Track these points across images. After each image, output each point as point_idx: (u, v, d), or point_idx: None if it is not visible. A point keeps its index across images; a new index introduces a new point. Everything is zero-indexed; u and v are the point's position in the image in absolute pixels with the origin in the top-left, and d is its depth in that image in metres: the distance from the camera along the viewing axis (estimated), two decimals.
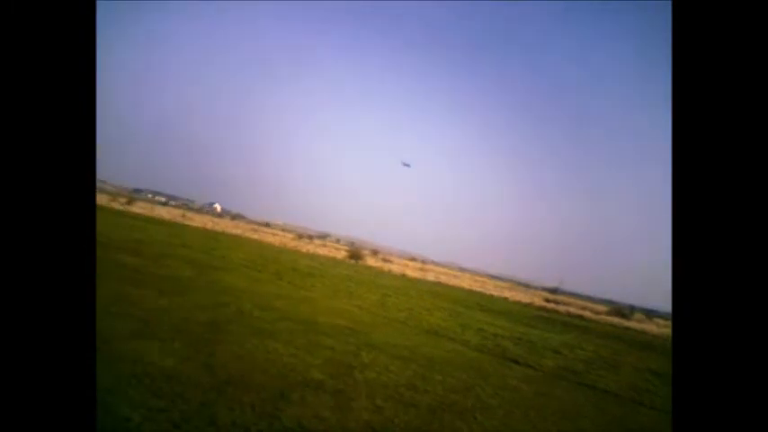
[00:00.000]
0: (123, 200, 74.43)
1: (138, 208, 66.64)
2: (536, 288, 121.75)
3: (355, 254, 59.41)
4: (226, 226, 73.85)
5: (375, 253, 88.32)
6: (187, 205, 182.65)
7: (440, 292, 33.07)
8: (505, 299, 45.58)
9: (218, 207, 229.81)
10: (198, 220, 69.47)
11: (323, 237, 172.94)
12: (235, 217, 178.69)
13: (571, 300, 79.47)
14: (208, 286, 13.15)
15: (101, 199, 64.72)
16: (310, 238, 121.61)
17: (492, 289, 59.49)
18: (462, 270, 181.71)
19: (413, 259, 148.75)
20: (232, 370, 6.30)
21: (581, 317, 40.01)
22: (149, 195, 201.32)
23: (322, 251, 61.80)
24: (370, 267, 49.78)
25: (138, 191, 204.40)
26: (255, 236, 63.84)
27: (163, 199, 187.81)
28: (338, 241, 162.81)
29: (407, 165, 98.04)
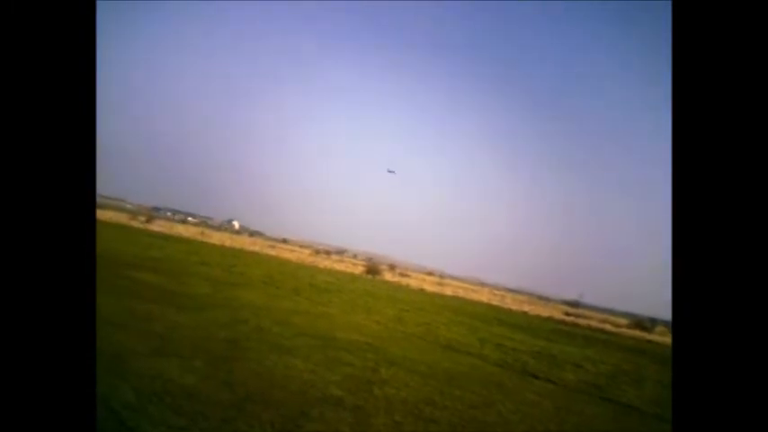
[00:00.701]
0: (143, 218, 75.26)
1: (158, 226, 67.36)
2: (555, 301, 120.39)
3: (373, 269, 59.49)
4: (244, 243, 74.29)
5: (392, 268, 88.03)
6: (206, 222, 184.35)
7: (458, 307, 32.91)
8: (525, 313, 45.17)
9: (236, 224, 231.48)
10: (216, 238, 70.06)
11: (340, 252, 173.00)
12: (253, 234, 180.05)
13: (591, 313, 78.49)
14: (226, 303, 13.24)
15: (120, 217, 65.73)
16: (328, 253, 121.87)
17: (511, 303, 58.96)
18: (481, 284, 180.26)
19: (430, 273, 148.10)
20: (251, 387, 6.32)
21: (602, 330, 39.52)
22: (168, 213, 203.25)
23: (339, 266, 61.80)
24: (387, 282, 49.79)
25: (157, 209, 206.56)
26: (273, 252, 64.17)
27: (182, 217, 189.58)
28: (355, 256, 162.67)
29: (392, 171, 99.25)
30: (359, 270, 60.29)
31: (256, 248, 64.63)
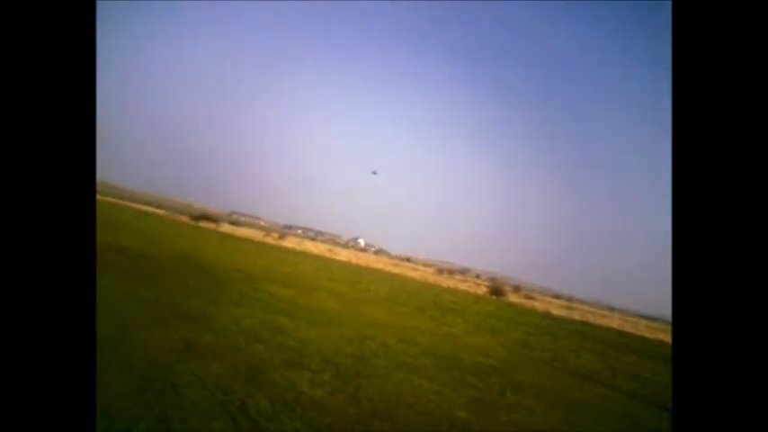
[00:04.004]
0: (276, 235, 79.73)
1: (289, 243, 70.95)
2: None
3: (497, 290, 58.15)
4: (369, 260, 75.97)
5: (517, 289, 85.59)
6: (333, 240, 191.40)
7: (587, 333, 31.22)
8: (660, 341, 41.92)
9: (361, 242, 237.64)
10: (343, 255, 72.38)
11: (463, 272, 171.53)
12: (377, 252, 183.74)
13: None
14: (354, 319, 13.57)
15: (256, 235, 69.97)
16: (451, 273, 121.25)
17: (644, 330, 54.96)
18: (611, 309, 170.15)
19: (557, 297, 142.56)
20: (378, 404, 6.39)
21: None
22: (299, 231, 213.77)
23: (462, 286, 61.27)
24: (512, 304, 48.52)
25: (288, 227, 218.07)
26: (397, 270, 64.98)
27: (312, 234, 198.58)
28: (478, 277, 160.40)
29: (375, 173, 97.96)
30: (482, 290, 59.37)
31: (380, 266, 65.85)
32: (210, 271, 17.33)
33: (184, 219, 77.82)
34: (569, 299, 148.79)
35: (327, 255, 62.82)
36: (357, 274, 38.16)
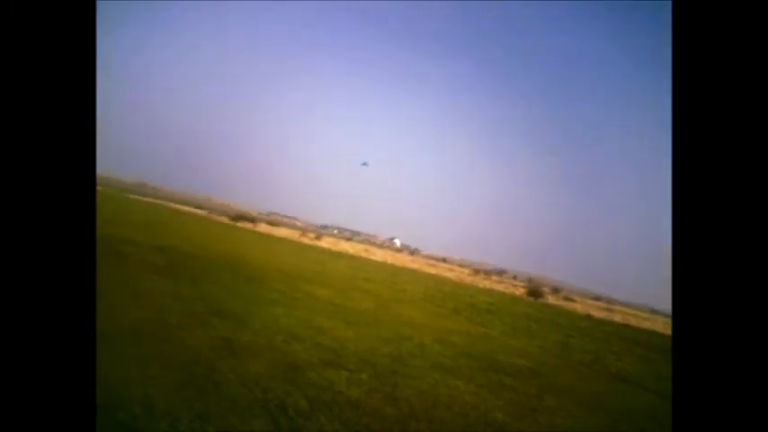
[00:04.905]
0: (312, 235, 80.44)
1: (326, 243, 71.47)
2: None
3: (534, 291, 57.26)
4: (405, 261, 75.95)
5: (556, 291, 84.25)
6: (369, 240, 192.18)
7: (629, 335, 30.47)
8: None
9: (397, 242, 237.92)
10: (379, 255, 72.55)
11: (500, 273, 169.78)
12: (413, 252, 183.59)
13: None
14: (390, 319, 13.59)
15: (292, 235, 70.70)
16: (487, 273, 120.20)
17: None
18: (653, 311, 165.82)
19: (598, 299, 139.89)
20: (415, 404, 6.39)
21: None
22: (335, 231, 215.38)
23: (499, 287, 60.67)
24: (549, 305, 47.77)
25: (324, 227, 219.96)
26: (433, 270, 64.74)
27: (348, 234, 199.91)
28: (515, 278, 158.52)
29: (365, 164, 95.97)
30: (519, 292, 58.64)
31: (416, 266, 65.77)
32: (249, 271, 17.59)
33: (223, 219, 79.21)
34: (609, 301, 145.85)
35: (363, 255, 63.03)
36: (393, 274, 38.19)
